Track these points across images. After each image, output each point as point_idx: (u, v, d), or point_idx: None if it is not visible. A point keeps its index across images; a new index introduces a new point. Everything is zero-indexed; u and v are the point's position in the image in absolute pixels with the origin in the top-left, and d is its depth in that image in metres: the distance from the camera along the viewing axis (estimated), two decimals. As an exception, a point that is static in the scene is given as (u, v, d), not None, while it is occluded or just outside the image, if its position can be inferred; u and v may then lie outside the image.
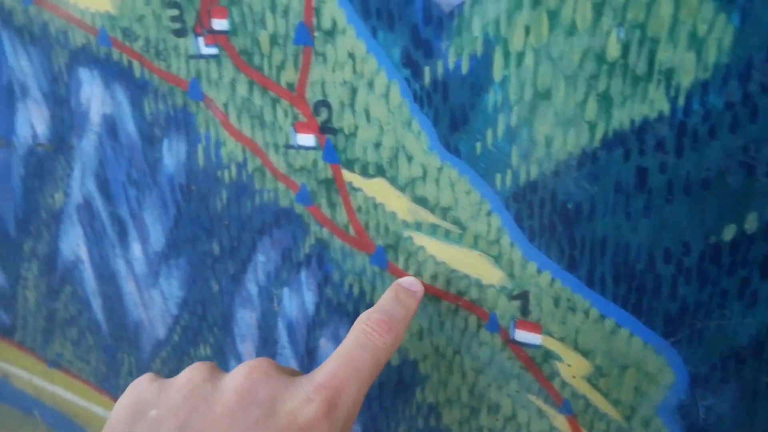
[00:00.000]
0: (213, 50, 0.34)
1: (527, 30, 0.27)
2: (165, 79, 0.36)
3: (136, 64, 0.36)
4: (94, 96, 0.39)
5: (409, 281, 0.33)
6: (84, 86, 0.39)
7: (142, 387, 0.28)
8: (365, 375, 0.28)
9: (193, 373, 0.28)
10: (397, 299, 0.32)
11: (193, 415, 0.26)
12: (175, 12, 0.34)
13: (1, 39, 0.40)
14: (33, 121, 0.42)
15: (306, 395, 0.27)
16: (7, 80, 0.42)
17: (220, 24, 0.33)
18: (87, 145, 0.41)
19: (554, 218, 0.29)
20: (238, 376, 0.28)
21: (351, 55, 0.30)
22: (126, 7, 0.35)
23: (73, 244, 0.45)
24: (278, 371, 0.28)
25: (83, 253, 0.45)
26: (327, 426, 0.26)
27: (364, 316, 0.30)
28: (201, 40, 0.34)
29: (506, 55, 0.27)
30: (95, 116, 0.39)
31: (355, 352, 0.28)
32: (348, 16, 0.30)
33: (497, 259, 0.31)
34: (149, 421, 0.26)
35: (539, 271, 0.30)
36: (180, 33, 0.34)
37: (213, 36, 0.33)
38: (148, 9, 0.34)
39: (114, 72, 0.37)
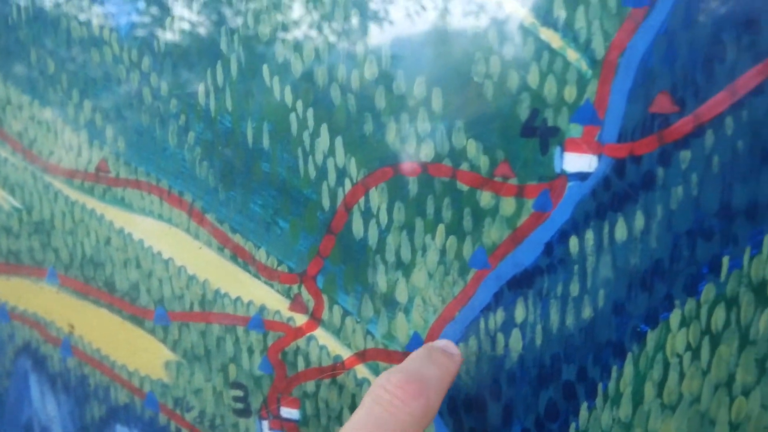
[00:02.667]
0: (279, 435, 0.30)
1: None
2: (217, 452, 0.32)
3: (185, 433, 0.32)
4: (130, 454, 0.34)
5: (443, 343, 0.24)
6: (119, 443, 0.34)
7: None
8: None
9: None
10: (429, 357, 0.23)
11: None
12: (239, 393, 0.31)
13: (28, 381, 0.36)
14: (50, 465, 0.37)
15: None
16: (27, 419, 0.37)
17: (289, 413, 0.30)
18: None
19: None
20: None
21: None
22: (182, 378, 0.32)
23: None
24: None
25: None
26: None
27: (382, 378, 0.21)
28: (266, 423, 0.30)
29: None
30: (127, 474, 0.34)
31: (367, 430, 0.20)
32: None
33: None
34: None
35: None
36: (242, 413, 0.31)
37: (280, 422, 0.30)
38: (207, 385, 0.31)
39: (158, 435, 0.33)
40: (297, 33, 0.26)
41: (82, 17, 0.30)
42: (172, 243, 0.30)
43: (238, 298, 0.30)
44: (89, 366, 0.34)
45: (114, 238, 0.32)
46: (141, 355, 0.33)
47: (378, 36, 0.25)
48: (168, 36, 0.29)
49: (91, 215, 0.32)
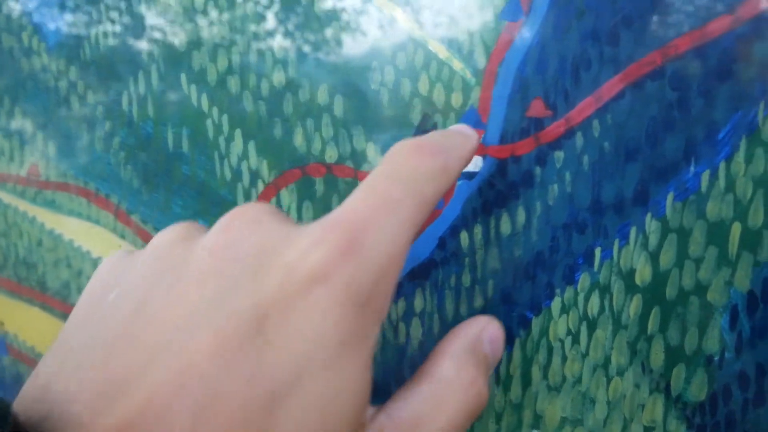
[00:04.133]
0: None
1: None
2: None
3: None
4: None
5: (458, 126, 0.23)
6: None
7: (109, 264, 0.20)
8: (404, 210, 0.17)
9: (163, 237, 0.19)
10: (444, 133, 0.22)
11: (154, 290, 0.17)
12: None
13: (-35, 380, 0.36)
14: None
15: (312, 238, 0.16)
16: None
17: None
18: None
19: None
20: (216, 229, 0.18)
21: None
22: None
23: None
24: (276, 215, 0.18)
25: None
26: (346, 279, 0.16)
27: (397, 144, 0.19)
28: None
29: None
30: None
31: (385, 181, 0.18)
32: None
33: None
34: (107, 306, 0.18)
35: None
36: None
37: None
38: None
39: None
40: (211, 44, 0.28)
41: (12, 28, 0.31)
42: (99, 243, 0.31)
43: (162, 295, 0.31)
44: (24, 364, 0.35)
45: (45, 240, 0.32)
46: (72, 351, 0.33)
47: (284, 49, 0.27)
48: (93, 47, 0.30)
49: (23, 218, 0.33)
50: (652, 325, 0.24)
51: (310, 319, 0.16)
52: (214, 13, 0.28)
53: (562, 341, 0.25)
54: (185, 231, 0.19)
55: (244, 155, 0.28)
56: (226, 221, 0.18)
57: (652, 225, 0.23)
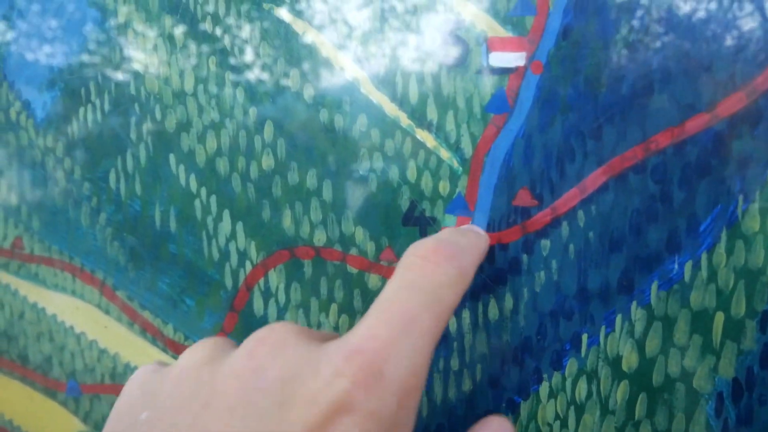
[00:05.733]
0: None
1: None
2: None
3: (96, 504, 0.32)
4: None
5: (471, 226, 0.24)
6: None
7: (140, 381, 0.20)
8: (424, 326, 0.18)
9: (191, 355, 0.20)
10: (459, 231, 0.22)
11: (182, 415, 0.17)
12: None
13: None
14: None
15: (334, 368, 0.17)
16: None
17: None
18: None
19: None
20: (241, 353, 0.18)
21: None
22: (94, 449, 0.32)
23: None
24: (299, 338, 0.18)
25: None
26: (369, 408, 0.16)
27: (412, 247, 0.20)
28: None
29: None
30: None
31: (402, 296, 0.18)
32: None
33: None
34: (139, 426, 0.18)
35: None
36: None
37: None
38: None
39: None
40: (200, 125, 0.28)
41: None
42: (84, 318, 0.31)
43: (147, 372, 0.30)
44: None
45: (28, 313, 0.32)
46: (53, 426, 0.33)
47: (273, 133, 0.27)
48: (81, 124, 0.30)
49: (5, 290, 0.32)
50: (640, 410, 0.24)
51: None
52: (203, 97, 0.28)
53: (550, 425, 0.25)
54: (213, 350, 0.19)
55: (232, 236, 0.28)
56: (251, 346, 0.18)
57: (637, 313, 0.23)
